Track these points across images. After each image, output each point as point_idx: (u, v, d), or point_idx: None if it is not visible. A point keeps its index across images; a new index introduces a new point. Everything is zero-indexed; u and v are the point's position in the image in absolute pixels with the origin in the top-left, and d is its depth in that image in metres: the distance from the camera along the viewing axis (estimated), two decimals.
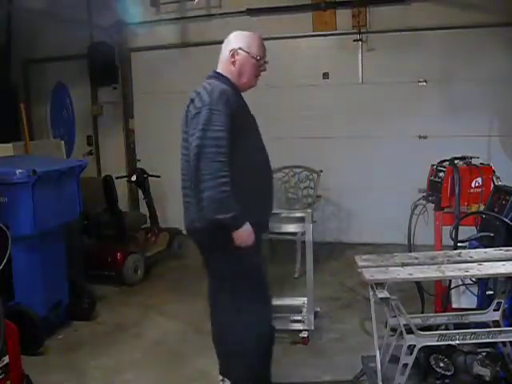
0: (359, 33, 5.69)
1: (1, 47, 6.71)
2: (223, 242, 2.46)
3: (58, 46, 6.55)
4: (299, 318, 3.65)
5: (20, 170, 3.36)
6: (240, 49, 2.62)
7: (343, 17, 5.79)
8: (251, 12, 5.96)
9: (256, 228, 2.50)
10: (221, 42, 2.64)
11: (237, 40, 2.65)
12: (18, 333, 2.65)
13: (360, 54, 5.78)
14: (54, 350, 3.57)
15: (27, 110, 5.90)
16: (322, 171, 5.40)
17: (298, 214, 3.82)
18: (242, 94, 2.72)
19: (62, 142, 5.65)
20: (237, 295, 2.56)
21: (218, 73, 2.67)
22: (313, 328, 3.56)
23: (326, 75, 5.95)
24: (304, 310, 3.67)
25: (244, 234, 2.44)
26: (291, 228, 3.85)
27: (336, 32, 5.85)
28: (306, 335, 3.53)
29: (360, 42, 5.73)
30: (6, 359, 2.51)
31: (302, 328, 3.56)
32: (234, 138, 2.44)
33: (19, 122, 5.35)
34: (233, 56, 2.62)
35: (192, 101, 2.53)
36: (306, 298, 3.63)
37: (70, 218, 3.93)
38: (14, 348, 2.58)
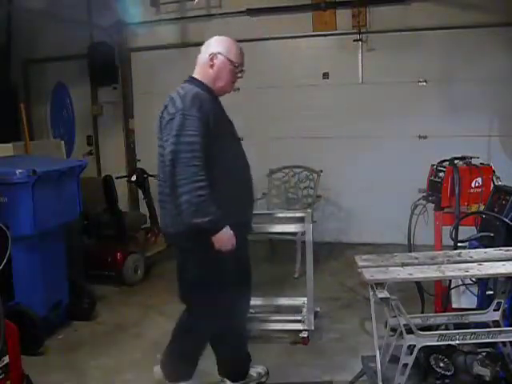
0: (359, 33, 5.68)
1: (1, 47, 6.71)
2: (200, 244, 2.51)
3: (58, 46, 6.55)
4: (299, 318, 3.64)
5: (20, 170, 3.36)
6: (219, 53, 2.65)
7: (343, 17, 5.79)
8: (251, 12, 5.96)
9: (236, 228, 2.54)
10: None
11: (217, 44, 2.68)
12: (18, 333, 2.65)
13: (360, 54, 5.78)
14: (53, 350, 3.57)
15: (27, 110, 5.89)
16: (322, 171, 5.40)
17: (298, 214, 3.82)
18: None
19: (62, 142, 5.65)
20: (212, 294, 2.61)
21: (193, 77, 2.70)
22: (313, 328, 3.55)
23: (325, 75, 5.95)
24: (304, 310, 3.66)
25: (224, 238, 2.48)
26: (291, 228, 3.85)
27: (336, 32, 5.85)
28: (306, 335, 3.53)
29: (360, 42, 5.72)
30: (6, 359, 2.51)
31: (302, 328, 3.55)
32: (209, 143, 2.47)
33: (19, 122, 5.35)
34: (212, 60, 2.65)
35: (166, 107, 2.56)
36: (305, 298, 3.63)
37: (70, 218, 3.92)
38: (13, 348, 2.58)
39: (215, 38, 2.72)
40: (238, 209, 2.59)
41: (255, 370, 3.08)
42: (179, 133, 2.43)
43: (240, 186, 2.67)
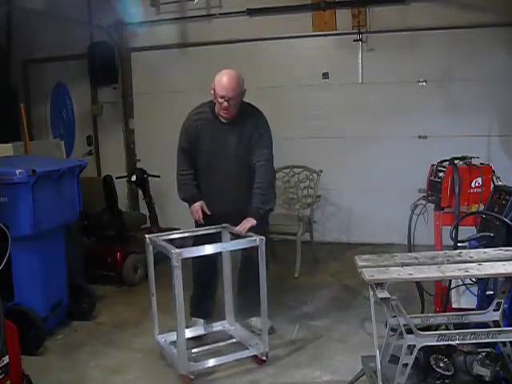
0: (359, 33, 5.68)
1: (1, 47, 6.71)
2: None
3: (58, 46, 6.54)
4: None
5: (20, 170, 3.36)
6: (214, 85, 3.36)
7: (343, 17, 5.78)
8: (251, 12, 5.96)
9: (210, 208, 3.56)
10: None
11: (216, 77, 3.37)
12: (18, 333, 2.65)
13: (360, 54, 5.77)
14: (53, 350, 3.57)
15: (27, 110, 5.89)
16: (321, 171, 5.40)
17: (212, 231, 3.59)
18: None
19: (62, 142, 5.64)
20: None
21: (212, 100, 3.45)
22: (267, 350, 3.24)
23: (325, 75, 5.94)
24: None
25: (192, 210, 3.58)
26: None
27: (336, 32, 5.84)
28: (263, 358, 3.25)
29: (360, 42, 5.72)
30: (6, 359, 2.51)
31: (255, 353, 3.25)
32: (193, 148, 3.53)
33: (19, 122, 5.35)
34: (211, 88, 3.40)
35: None
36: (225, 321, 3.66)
37: (69, 218, 3.93)
38: (14, 348, 2.58)
39: (223, 70, 3.39)
40: (206, 197, 3.58)
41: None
42: (179, 138, 3.61)
43: (209, 183, 3.57)
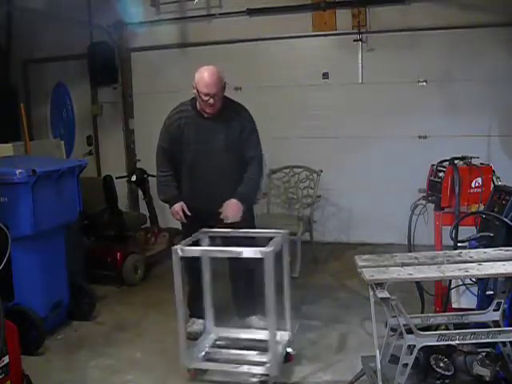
0: (359, 33, 5.68)
1: (1, 47, 6.71)
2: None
3: (58, 45, 6.54)
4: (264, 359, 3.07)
5: (20, 170, 3.36)
6: (195, 83, 3.35)
7: (343, 17, 5.78)
8: (251, 12, 5.96)
9: (191, 210, 3.51)
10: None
11: (196, 75, 3.36)
12: (18, 333, 2.65)
13: (360, 54, 5.78)
14: (53, 350, 3.57)
15: (27, 110, 5.89)
16: (321, 171, 5.41)
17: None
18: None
19: (62, 142, 5.63)
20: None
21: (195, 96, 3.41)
22: (276, 374, 2.93)
23: (325, 75, 5.94)
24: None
25: (172, 211, 3.57)
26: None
27: (336, 32, 5.84)
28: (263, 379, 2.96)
29: (360, 42, 5.72)
30: (6, 359, 2.51)
31: (261, 372, 2.97)
32: (178, 149, 3.49)
33: (19, 122, 5.35)
34: (193, 87, 3.37)
35: None
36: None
37: (70, 218, 3.92)
38: (14, 348, 2.58)
39: (201, 68, 3.37)
40: (192, 194, 3.53)
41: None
42: (159, 137, 3.61)
43: (195, 180, 3.51)
